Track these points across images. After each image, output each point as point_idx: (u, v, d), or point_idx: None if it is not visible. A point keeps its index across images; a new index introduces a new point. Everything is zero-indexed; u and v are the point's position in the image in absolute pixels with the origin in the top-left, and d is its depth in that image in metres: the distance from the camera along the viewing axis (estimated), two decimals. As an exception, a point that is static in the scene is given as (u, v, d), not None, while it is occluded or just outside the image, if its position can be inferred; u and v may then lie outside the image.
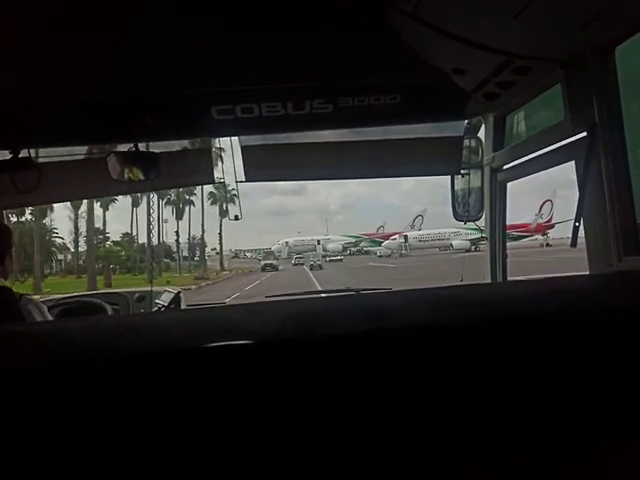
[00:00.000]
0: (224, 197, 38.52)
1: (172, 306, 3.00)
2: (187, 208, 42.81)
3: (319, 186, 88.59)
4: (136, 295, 3.41)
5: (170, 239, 42.77)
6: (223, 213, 42.42)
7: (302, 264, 39.54)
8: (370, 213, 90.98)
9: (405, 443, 0.85)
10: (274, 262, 40.22)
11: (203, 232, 43.00)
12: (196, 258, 43.65)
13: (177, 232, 41.74)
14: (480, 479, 0.86)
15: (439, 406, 0.86)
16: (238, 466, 0.82)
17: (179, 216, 42.89)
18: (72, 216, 38.01)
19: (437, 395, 0.86)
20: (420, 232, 49.42)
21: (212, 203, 42.79)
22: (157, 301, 3.11)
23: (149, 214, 41.93)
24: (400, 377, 0.86)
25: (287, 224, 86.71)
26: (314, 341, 0.87)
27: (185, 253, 43.02)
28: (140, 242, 42.42)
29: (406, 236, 46.58)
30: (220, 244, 43.28)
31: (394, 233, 49.32)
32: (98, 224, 38.51)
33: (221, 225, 43.42)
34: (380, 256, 44.00)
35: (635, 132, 1.39)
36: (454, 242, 43.21)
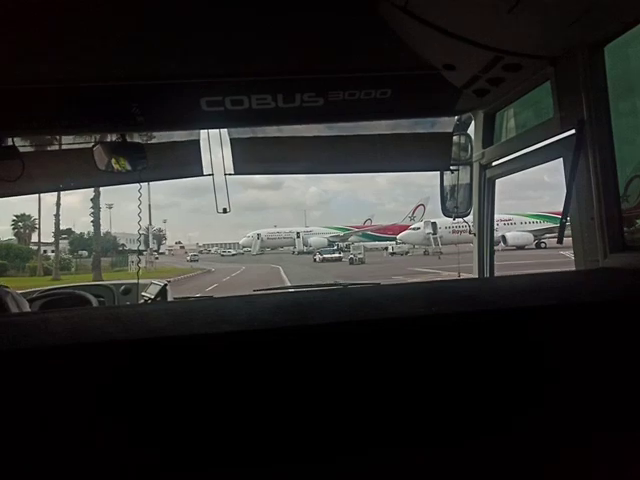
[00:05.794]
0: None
1: (159, 299, 2.97)
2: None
3: (296, 182, 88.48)
4: (122, 287, 3.38)
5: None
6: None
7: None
8: (347, 209, 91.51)
9: (391, 429, 0.85)
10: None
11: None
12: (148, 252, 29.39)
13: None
14: (467, 468, 0.87)
15: (426, 394, 0.87)
16: (227, 451, 0.82)
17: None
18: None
19: (424, 384, 0.87)
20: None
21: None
22: (143, 294, 3.08)
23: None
24: (389, 366, 0.86)
25: (263, 218, 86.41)
26: (304, 330, 0.87)
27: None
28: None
29: (434, 223, 30.71)
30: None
31: (390, 226, 38.27)
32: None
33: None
34: (393, 253, 32.88)
35: (623, 130, 1.41)
36: (508, 234, 29.72)
